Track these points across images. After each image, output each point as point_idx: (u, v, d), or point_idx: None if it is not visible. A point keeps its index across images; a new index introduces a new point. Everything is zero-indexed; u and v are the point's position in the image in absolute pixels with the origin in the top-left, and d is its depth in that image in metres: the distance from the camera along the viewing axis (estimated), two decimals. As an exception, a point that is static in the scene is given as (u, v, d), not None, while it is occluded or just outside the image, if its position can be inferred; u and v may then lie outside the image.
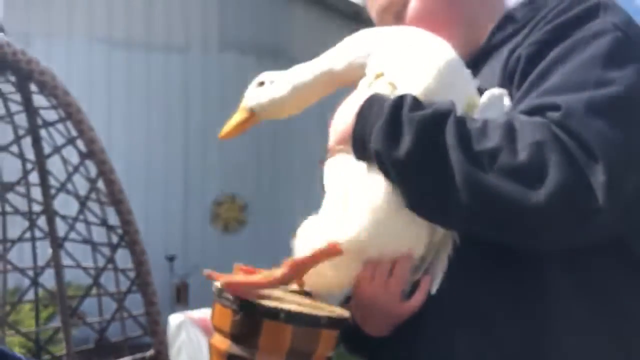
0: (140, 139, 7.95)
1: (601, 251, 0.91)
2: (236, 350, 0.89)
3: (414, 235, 0.94)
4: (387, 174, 0.90)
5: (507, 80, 0.98)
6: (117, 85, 7.92)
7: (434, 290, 0.95)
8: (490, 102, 0.93)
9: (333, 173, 1.02)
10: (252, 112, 1.15)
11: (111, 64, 7.92)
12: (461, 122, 0.86)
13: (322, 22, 8.61)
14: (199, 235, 8.19)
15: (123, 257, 2.63)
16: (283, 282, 0.96)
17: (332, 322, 0.92)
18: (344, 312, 0.95)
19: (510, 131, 0.84)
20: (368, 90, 0.99)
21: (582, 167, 0.81)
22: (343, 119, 1.00)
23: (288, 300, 0.95)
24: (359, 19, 8.71)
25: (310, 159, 8.69)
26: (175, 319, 5.88)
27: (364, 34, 1.05)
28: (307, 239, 1.00)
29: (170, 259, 7.83)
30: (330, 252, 0.94)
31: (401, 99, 0.90)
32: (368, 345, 1.08)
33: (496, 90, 0.95)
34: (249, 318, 0.88)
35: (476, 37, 1.13)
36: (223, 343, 0.91)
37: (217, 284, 0.94)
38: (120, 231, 2.52)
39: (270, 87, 1.12)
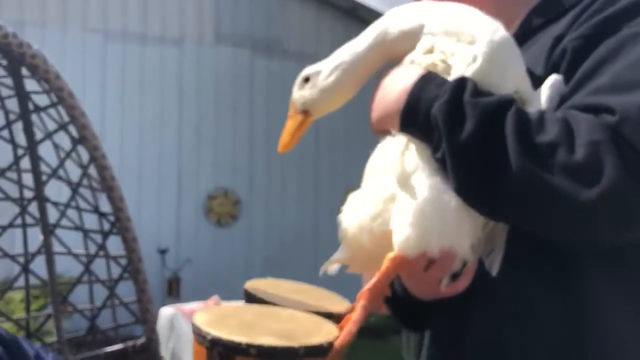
0: (134, 132, 7.92)
1: (637, 248, 0.93)
2: None
3: (463, 231, 0.93)
4: (438, 153, 0.89)
5: (551, 72, 0.97)
6: (111, 77, 7.88)
7: (494, 273, 0.94)
8: (553, 91, 0.93)
9: (380, 156, 0.99)
10: (307, 113, 1.06)
11: (106, 55, 7.88)
12: (521, 114, 0.87)
13: (317, 16, 8.60)
14: (191, 229, 8.17)
15: (114, 245, 2.61)
16: (367, 313, 0.93)
17: (311, 351, 0.87)
18: (329, 336, 0.91)
19: (567, 127, 0.85)
20: (418, 65, 0.96)
21: (636, 170, 0.82)
22: (389, 92, 0.97)
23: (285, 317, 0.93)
24: (353, 14, 8.68)
25: (304, 155, 8.67)
26: (166, 312, 5.86)
27: (415, 6, 1.01)
28: (355, 217, 0.98)
29: (163, 252, 7.80)
30: (398, 266, 0.93)
31: (462, 81, 0.89)
32: (415, 326, 1.10)
33: (555, 78, 0.94)
34: (221, 355, 0.85)
35: (509, 17, 1.09)
36: None
37: (195, 320, 0.91)
38: (112, 218, 2.50)
39: (318, 79, 1.04)
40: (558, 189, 0.82)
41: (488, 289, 0.95)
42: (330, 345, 0.89)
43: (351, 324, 0.91)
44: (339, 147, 8.17)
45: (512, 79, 0.92)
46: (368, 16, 7.89)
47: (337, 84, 1.03)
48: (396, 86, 0.96)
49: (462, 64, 0.92)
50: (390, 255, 0.92)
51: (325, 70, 1.03)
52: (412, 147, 0.93)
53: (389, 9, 1.18)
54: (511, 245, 0.94)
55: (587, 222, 0.84)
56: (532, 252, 0.94)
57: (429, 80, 0.92)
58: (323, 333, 0.91)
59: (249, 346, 0.85)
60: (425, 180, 0.91)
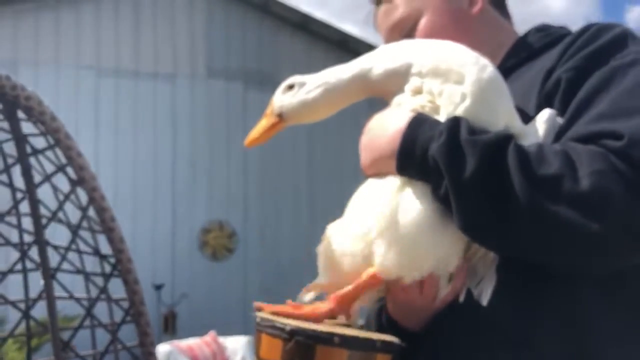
0: (128, 167, 7.90)
1: (634, 270, 0.93)
2: None
3: (447, 254, 0.94)
4: (439, 193, 0.90)
5: (544, 102, 0.99)
6: (105, 112, 7.88)
7: (485, 303, 0.94)
8: (549, 125, 0.94)
9: (367, 193, 0.99)
10: (281, 118, 1.09)
11: (99, 91, 7.89)
12: (521, 148, 0.87)
13: (308, 49, 8.65)
14: (187, 263, 8.11)
15: (115, 287, 2.58)
16: (331, 315, 0.94)
17: (387, 346, 0.89)
18: (394, 338, 0.93)
19: (568, 158, 0.86)
20: (407, 106, 0.97)
21: None
22: (380, 135, 0.98)
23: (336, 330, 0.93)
24: (344, 47, 8.74)
25: (298, 186, 8.66)
26: (163, 349, 5.81)
27: (404, 44, 1.03)
28: (339, 247, 0.99)
29: (158, 287, 7.73)
30: (372, 283, 0.95)
31: (456, 121, 0.90)
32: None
33: (550, 112, 0.95)
34: (301, 345, 0.85)
35: (490, 57, 1.14)
36: None
37: (262, 314, 0.91)
38: (112, 260, 2.47)
39: (301, 90, 1.07)
40: (567, 221, 0.82)
41: (480, 319, 0.95)
42: (402, 345, 0.91)
43: (310, 312, 0.93)
44: (333, 179, 8.17)
45: (502, 116, 0.93)
46: (359, 48, 7.95)
47: (315, 102, 1.07)
48: (387, 129, 0.97)
49: (450, 104, 0.93)
50: (370, 270, 0.94)
51: (309, 85, 1.07)
52: (408, 186, 0.94)
53: (379, 41, 1.21)
54: (504, 274, 0.94)
55: (598, 250, 0.85)
56: (525, 279, 0.94)
57: (421, 121, 0.93)
58: (387, 337, 0.92)
59: (332, 335, 0.84)
60: (418, 214, 0.91)
